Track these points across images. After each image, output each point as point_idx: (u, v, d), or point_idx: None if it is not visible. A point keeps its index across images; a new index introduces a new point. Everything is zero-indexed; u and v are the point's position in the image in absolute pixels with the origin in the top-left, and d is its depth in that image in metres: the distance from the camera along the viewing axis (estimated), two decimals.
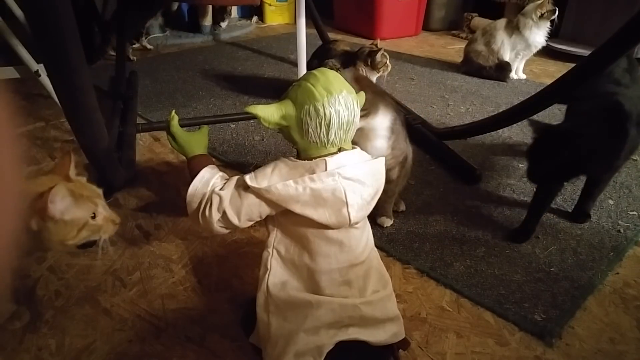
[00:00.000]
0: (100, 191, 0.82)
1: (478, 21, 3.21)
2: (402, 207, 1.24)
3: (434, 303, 0.95)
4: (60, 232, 0.72)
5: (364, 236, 0.76)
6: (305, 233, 0.71)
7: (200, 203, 0.72)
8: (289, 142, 0.74)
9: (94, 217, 0.77)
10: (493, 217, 1.23)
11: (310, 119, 0.67)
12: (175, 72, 2.43)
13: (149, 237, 1.15)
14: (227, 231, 0.74)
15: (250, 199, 0.69)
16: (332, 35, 2.41)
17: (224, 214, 0.70)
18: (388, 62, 1.70)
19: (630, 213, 1.25)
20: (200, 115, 1.87)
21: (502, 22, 2.37)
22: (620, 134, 1.03)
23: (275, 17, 3.80)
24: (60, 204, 0.71)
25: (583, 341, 0.87)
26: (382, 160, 0.75)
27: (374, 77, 1.74)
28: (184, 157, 0.83)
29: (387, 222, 1.18)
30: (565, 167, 1.06)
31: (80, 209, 0.74)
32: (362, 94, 0.75)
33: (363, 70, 1.70)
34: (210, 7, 3.20)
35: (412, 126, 1.65)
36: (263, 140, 1.66)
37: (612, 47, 1.05)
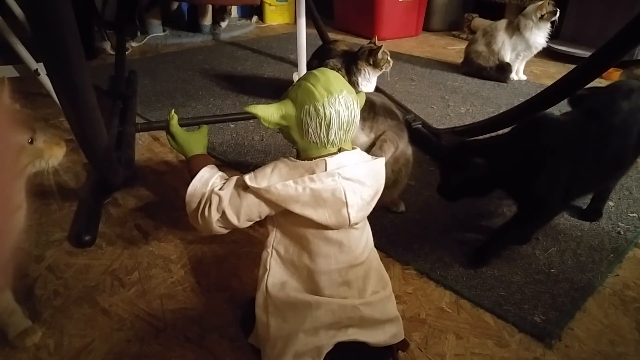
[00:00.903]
0: (37, 115, 0.77)
1: (478, 22, 3.21)
2: (402, 208, 1.24)
3: (434, 304, 0.95)
4: None
5: (364, 237, 0.76)
6: (304, 233, 0.71)
7: (199, 203, 0.72)
8: (289, 142, 0.73)
9: (31, 142, 0.72)
10: (493, 218, 1.23)
11: (311, 119, 0.67)
12: (175, 71, 2.43)
13: (148, 237, 1.14)
14: (227, 231, 0.74)
15: (250, 199, 0.69)
16: (332, 36, 2.41)
17: (223, 214, 0.70)
18: (389, 57, 1.70)
19: (631, 215, 1.25)
20: (199, 114, 1.87)
21: (502, 23, 2.37)
22: (535, 156, 0.96)
23: (275, 17, 3.79)
24: None
25: (583, 343, 0.87)
26: (382, 160, 0.75)
27: (376, 75, 1.74)
28: (184, 157, 0.82)
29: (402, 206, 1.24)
30: (472, 183, 1.02)
31: None
32: (362, 94, 0.75)
33: (365, 70, 1.70)
34: (210, 6, 3.20)
35: (412, 127, 1.65)
36: (263, 140, 1.65)
37: (612, 48, 1.05)
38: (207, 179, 0.74)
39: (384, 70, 1.71)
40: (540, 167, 0.96)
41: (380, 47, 1.66)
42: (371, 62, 1.69)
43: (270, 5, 3.73)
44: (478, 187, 1.05)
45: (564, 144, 0.97)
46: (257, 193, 0.68)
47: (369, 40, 1.76)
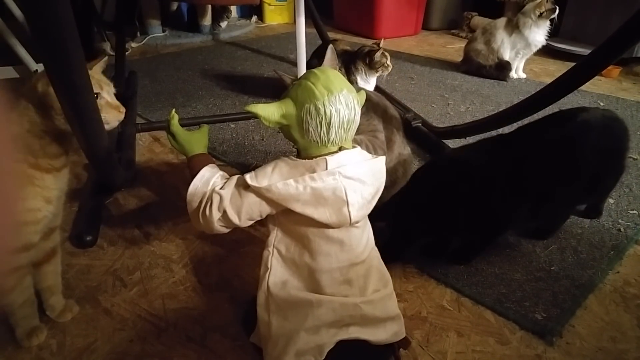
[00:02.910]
0: (112, 85, 0.86)
1: (478, 20, 3.21)
2: None
3: (435, 302, 0.95)
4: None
5: (365, 235, 0.76)
6: (305, 232, 0.71)
7: (200, 202, 0.72)
8: (289, 141, 0.73)
9: (97, 97, 0.80)
10: None
11: (311, 118, 0.67)
12: (175, 71, 2.43)
13: (149, 237, 1.15)
14: (228, 230, 0.74)
15: (251, 198, 0.69)
16: (331, 35, 2.41)
17: (225, 213, 0.70)
18: (388, 62, 1.70)
19: (631, 212, 1.25)
20: (200, 114, 1.87)
21: (502, 21, 2.37)
22: (451, 193, 0.97)
23: (274, 16, 3.80)
24: None
25: (584, 340, 0.87)
26: (382, 159, 0.75)
27: (372, 77, 1.74)
28: (184, 157, 0.82)
29: None
30: (435, 244, 1.06)
31: None
32: (363, 92, 0.75)
33: (362, 70, 1.70)
34: (210, 6, 3.20)
35: (412, 125, 1.65)
36: (263, 139, 1.66)
37: (612, 45, 1.04)
38: (208, 179, 0.74)
39: (380, 73, 1.70)
40: (459, 203, 0.97)
41: (379, 49, 1.66)
42: (367, 62, 1.68)
43: (269, 5, 3.73)
44: (442, 245, 1.08)
45: (475, 177, 0.97)
46: (258, 192, 0.68)
47: (369, 40, 1.76)
